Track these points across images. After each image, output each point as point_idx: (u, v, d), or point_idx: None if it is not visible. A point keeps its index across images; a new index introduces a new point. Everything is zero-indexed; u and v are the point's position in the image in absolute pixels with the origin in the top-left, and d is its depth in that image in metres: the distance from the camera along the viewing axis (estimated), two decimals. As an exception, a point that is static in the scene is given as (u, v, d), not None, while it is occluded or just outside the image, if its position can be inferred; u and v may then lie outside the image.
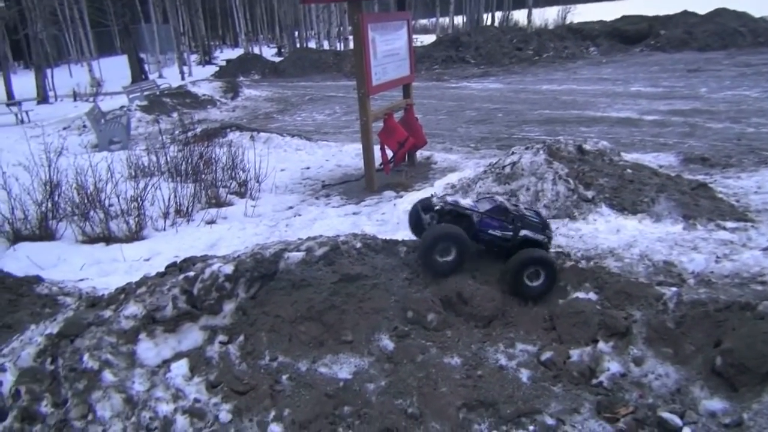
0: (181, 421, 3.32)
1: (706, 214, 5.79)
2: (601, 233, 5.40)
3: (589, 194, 6.23)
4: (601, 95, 16.20)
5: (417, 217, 4.59)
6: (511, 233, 4.27)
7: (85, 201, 7.86)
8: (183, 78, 32.34)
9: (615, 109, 13.94)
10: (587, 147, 7.36)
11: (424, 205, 4.57)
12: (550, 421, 3.25)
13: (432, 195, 4.71)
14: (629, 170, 6.97)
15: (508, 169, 6.94)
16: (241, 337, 3.76)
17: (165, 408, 3.37)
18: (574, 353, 3.63)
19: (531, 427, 3.24)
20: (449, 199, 4.45)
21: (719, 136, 10.55)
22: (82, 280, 6.05)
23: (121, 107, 19.30)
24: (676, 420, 3.04)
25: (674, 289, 3.85)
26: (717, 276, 4.17)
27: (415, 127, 10.19)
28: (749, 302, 3.40)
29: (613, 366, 3.48)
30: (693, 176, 7.45)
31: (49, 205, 7.76)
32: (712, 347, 3.29)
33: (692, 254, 4.63)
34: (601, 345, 3.61)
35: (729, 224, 5.49)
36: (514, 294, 4.10)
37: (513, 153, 7.32)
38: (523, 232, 4.27)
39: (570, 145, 7.26)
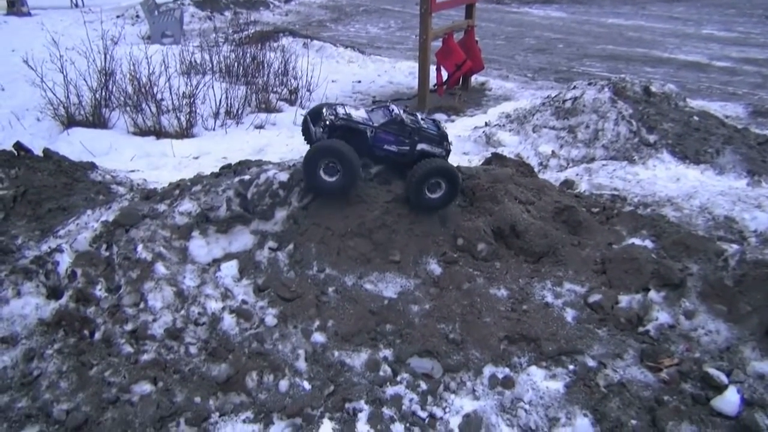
0: (228, 319, 3.40)
1: (773, 172, 5.55)
2: (660, 180, 5.23)
3: (652, 138, 6.01)
4: (669, 35, 15.38)
5: (306, 127, 4.26)
6: (407, 148, 3.98)
7: (139, 93, 7.87)
8: (237, -24, 31.60)
9: (683, 51, 13.26)
10: (653, 89, 7.04)
11: (314, 116, 4.20)
12: (591, 362, 3.25)
13: (324, 104, 4.20)
14: (695, 117, 6.67)
15: (568, 104, 6.70)
16: (291, 246, 3.78)
17: (213, 305, 3.45)
18: (623, 299, 3.58)
19: (571, 366, 3.24)
20: (341, 111, 4.00)
21: (793, 90, 10.00)
22: (133, 171, 6.14)
23: (175, 0, 19.03)
24: (722, 377, 3.00)
25: (737, 246, 3.73)
26: (781, 237, 4.02)
27: (474, 50, 9.86)
28: (816, 268, 3.28)
29: (663, 316, 3.43)
30: (761, 130, 7.11)
31: (104, 93, 7.79)
32: (770, 310, 3.20)
33: (756, 212, 4.45)
34: (652, 294, 3.54)
35: (796, 185, 5.25)
36: (417, 206, 3.89)
37: (575, 87, 7.05)
38: (420, 146, 3.98)
39: (636, 85, 6.96)
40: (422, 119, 4.13)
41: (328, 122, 3.89)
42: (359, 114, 4.05)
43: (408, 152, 3.99)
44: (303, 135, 4.38)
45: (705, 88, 10.11)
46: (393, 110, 4.03)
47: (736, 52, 13.17)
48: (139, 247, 3.61)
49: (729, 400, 2.88)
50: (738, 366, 3.07)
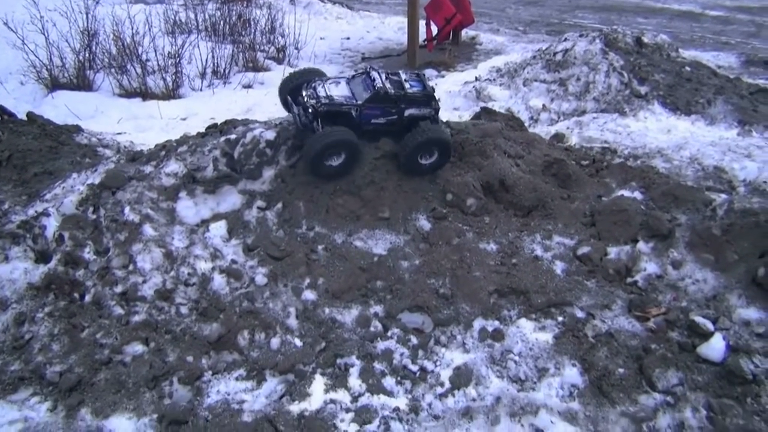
0: (219, 279, 3.40)
1: (764, 121, 5.53)
2: (651, 132, 5.20)
3: (643, 90, 5.95)
4: (663, -16, 15.12)
5: (285, 98, 4.19)
6: (395, 116, 3.93)
7: (123, 53, 7.72)
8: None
9: (677, 1, 13.05)
10: (645, 39, 6.95)
11: (292, 91, 4.12)
12: (580, 313, 3.28)
13: (300, 78, 4.13)
14: (687, 68, 6.61)
15: (559, 57, 6.62)
16: (279, 205, 3.77)
17: (203, 265, 3.45)
18: (612, 251, 3.59)
19: (560, 318, 3.27)
20: (321, 93, 3.85)
21: (787, 38, 9.89)
22: (120, 133, 6.06)
23: (158, -42, 18.53)
24: (709, 324, 3.04)
25: (725, 195, 3.74)
26: (770, 186, 4.03)
27: (464, 3, 9.67)
28: (803, 216, 3.29)
29: (651, 267, 3.45)
30: (753, 80, 7.06)
31: (87, 54, 7.64)
32: (756, 258, 3.22)
33: (745, 161, 4.45)
34: (640, 245, 3.55)
35: (787, 133, 5.24)
36: (409, 173, 3.89)
37: (566, 39, 6.95)
38: (408, 112, 3.92)
39: (628, 36, 6.86)
40: (405, 80, 3.99)
41: (310, 109, 3.79)
42: (340, 92, 3.92)
43: (396, 120, 3.95)
44: (282, 105, 4.29)
45: (698, 38, 9.99)
46: (375, 80, 3.89)
47: (730, 0, 12.97)
48: (127, 209, 3.58)
49: (714, 347, 2.92)
50: (724, 313, 3.10)
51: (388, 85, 3.84)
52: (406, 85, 3.91)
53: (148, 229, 3.52)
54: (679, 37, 9.70)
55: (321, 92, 3.84)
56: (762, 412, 2.68)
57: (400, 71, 4.04)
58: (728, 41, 9.78)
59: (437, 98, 4.05)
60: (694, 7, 12.40)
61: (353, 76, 4.08)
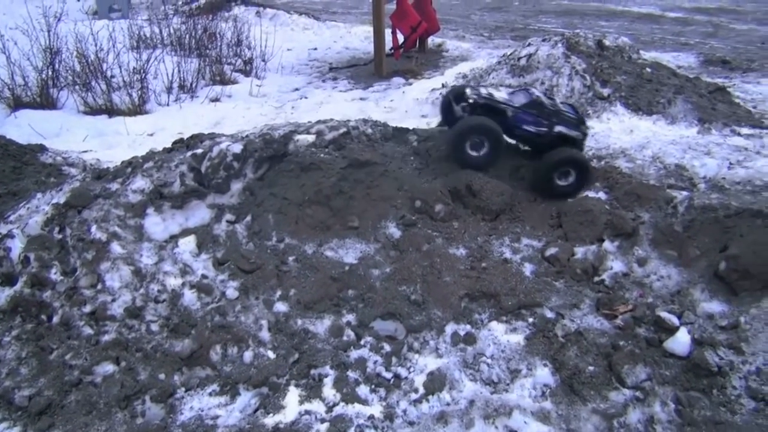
0: (189, 295, 3.39)
1: (722, 119, 5.66)
2: (614, 133, 5.29)
3: (605, 92, 6.06)
4: (623, -13, 15.44)
5: (448, 106, 4.43)
6: (545, 129, 4.13)
7: (87, 70, 7.64)
8: (185, -56, 30.63)
9: (637, 3, 13.34)
10: (607, 42, 7.08)
11: (456, 95, 4.40)
12: (549, 314, 3.33)
13: (466, 85, 4.51)
14: (648, 69, 6.74)
15: (523, 61, 6.71)
16: (249, 217, 3.76)
17: (173, 282, 3.43)
18: (579, 251, 3.66)
19: (531, 319, 3.32)
20: (483, 91, 4.25)
21: (743, 38, 10.15)
22: (85, 151, 5.99)
23: (121, -27, 18.38)
24: (674, 319, 3.10)
25: (685, 192, 3.83)
26: (729, 182, 4.12)
27: (429, 11, 9.77)
28: (760, 210, 3.38)
29: (617, 265, 3.52)
30: (712, 79, 7.24)
31: (50, 72, 7.55)
32: (717, 252, 3.30)
33: (705, 159, 4.55)
34: (606, 244, 3.63)
35: (744, 130, 5.37)
36: (544, 193, 4.06)
37: (529, 44, 7.05)
38: (558, 128, 4.14)
39: (590, 39, 6.98)
40: (561, 103, 4.34)
41: (471, 101, 4.12)
42: (501, 94, 4.26)
43: (546, 133, 4.13)
44: (441, 114, 4.65)
45: (658, 40, 10.21)
46: (533, 93, 4.22)
47: (688, 2, 13.29)
48: (93, 228, 3.54)
49: (680, 341, 2.99)
50: (688, 308, 3.18)
51: (544, 99, 4.17)
52: (560, 106, 4.25)
53: (116, 247, 3.49)
54: (640, 39, 9.91)
55: (483, 91, 4.22)
56: (728, 403, 2.74)
57: (555, 98, 4.55)
58: (687, 42, 10.02)
59: (587, 125, 4.35)
60: (654, 9, 12.68)
61: (514, 90, 4.42)
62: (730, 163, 4.45)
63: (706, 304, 3.15)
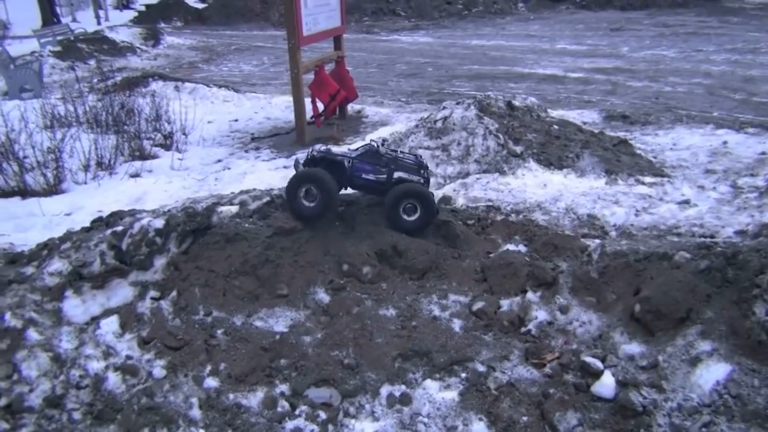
0: (113, 378, 3.26)
1: (627, 170, 6.05)
2: (530, 187, 5.56)
3: (518, 149, 6.38)
4: (528, 51, 16.42)
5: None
6: (384, 176, 4.31)
7: (-3, 152, 7.39)
8: (99, 23, 30.40)
9: (542, 66, 14.19)
10: (516, 103, 7.50)
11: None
12: (481, 368, 3.39)
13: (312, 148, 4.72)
14: (555, 126, 7.16)
15: (439, 124, 6.99)
16: (174, 293, 3.69)
17: (95, 365, 3.29)
18: (504, 303, 3.77)
19: (463, 375, 3.36)
20: (321, 147, 4.51)
21: (639, 94, 10.94)
22: (-3, 235, 5.74)
23: (32, 53, 18.07)
24: (598, 363, 3.22)
25: (598, 240, 4.04)
26: (637, 228, 4.40)
27: (347, 79, 10.07)
28: (666, 252, 3.60)
29: (541, 314, 3.64)
30: (614, 133, 7.73)
31: (-44, 156, 7.26)
32: (631, 295, 3.48)
33: (614, 207, 4.84)
34: (529, 295, 3.75)
35: (647, 179, 5.76)
36: (395, 229, 4.19)
37: (444, 108, 7.36)
38: (397, 174, 4.32)
39: (500, 100, 7.38)
40: (400, 151, 4.53)
41: (309, 156, 4.37)
42: (341, 149, 4.52)
43: (386, 180, 4.28)
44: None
45: (564, 98, 10.86)
46: (373, 145, 4.39)
47: (588, 63, 14.26)
48: (7, 315, 3.38)
49: (605, 384, 3.10)
50: (611, 351, 3.31)
51: (381, 148, 4.32)
52: (399, 154, 4.42)
53: (33, 334, 3.33)
54: (547, 99, 10.51)
55: (322, 147, 4.45)
56: (655, 441, 2.84)
57: (398, 149, 4.62)
58: (590, 99, 10.71)
59: (428, 169, 4.52)
60: (557, 71, 13.52)
61: (357, 149, 4.61)
62: (637, 211, 4.75)
63: (626, 346, 3.29)
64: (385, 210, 4.19)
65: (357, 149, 4.62)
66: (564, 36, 19.32)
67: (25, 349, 3.27)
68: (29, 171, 7.37)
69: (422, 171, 4.44)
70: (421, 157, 4.63)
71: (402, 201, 4.12)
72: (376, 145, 4.38)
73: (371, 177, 4.31)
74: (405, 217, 4.15)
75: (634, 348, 3.27)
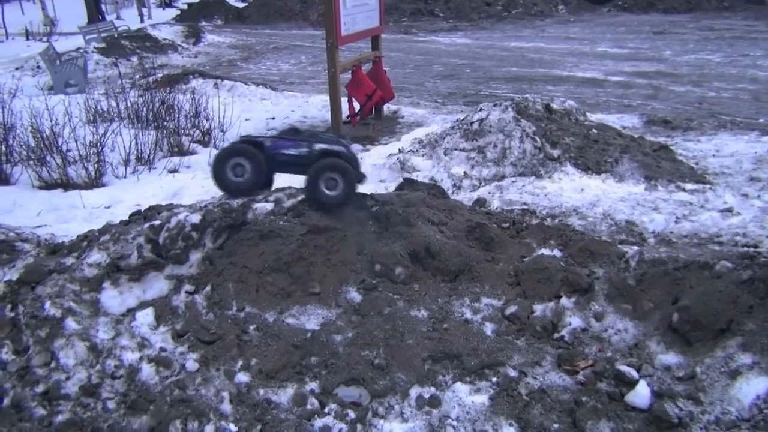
0: (147, 369, 3.31)
1: (667, 176, 5.92)
2: (566, 192, 5.48)
3: (555, 153, 6.30)
4: (568, 54, 16.23)
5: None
6: (306, 149, 4.33)
7: (42, 145, 7.59)
8: (142, 20, 31.13)
9: (581, 69, 14.01)
10: (554, 106, 7.41)
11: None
12: (512, 373, 3.35)
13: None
14: (594, 130, 7.05)
15: (476, 126, 6.94)
16: (208, 287, 3.73)
17: (130, 356, 3.35)
18: (538, 308, 3.72)
19: (494, 379, 3.33)
20: (243, 134, 4.63)
21: (681, 99, 10.72)
22: (39, 226, 5.89)
23: (78, 49, 18.56)
24: (633, 373, 3.15)
25: (636, 247, 3.96)
26: (676, 236, 4.30)
27: (383, 80, 10.08)
28: (707, 262, 3.51)
29: (575, 321, 3.58)
30: (655, 138, 7.59)
31: (3, 148, 7.48)
32: (670, 304, 3.40)
33: (653, 214, 4.75)
34: (563, 301, 3.70)
35: (688, 186, 5.63)
36: (314, 204, 4.16)
37: (481, 109, 7.32)
38: (318, 146, 4.33)
39: (538, 103, 7.30)
40: (321, 133, 4.70)
41: (230, 144, 4.41)
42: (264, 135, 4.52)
43: (308, 153, 4.29)
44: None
45: (603, 102, 10.70)
46: (291, 125, 4.50)
47: (629, 66, 14.02)
48: (47, 304, 3.47)
49: (640, 394, 3.03)
50: (646, 360, 3.24)
51: (301, 128, 4.52)
52: (318, 132, 4.58)
53: (71, 323, 3.41)
54: (586, 102, 10.37)
55: (242, 135, 4.51)
56: (690, 454, 2.77)
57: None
58: (630, 103, 10.53)
59: (348, 140, 4.67)
60: (597, 74, 13.33)
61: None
62: (677, 218, 4.64)
63: (662, 356, 3.22)
64: (305, 183, 4.14)
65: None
66: (605, 39, 19.04)
67: (64, 337, 3.35)
68: (72, 164, 7.56)
69: (342, 140, 4.52)
70: (344, 138, 4.74)
71: (322, 174, 4.10)
72: (295, 125, 4.51)
73: (293, 151, 4.34)
74: (326, 191, 4.13)
75: (670, 358, 3.20)
